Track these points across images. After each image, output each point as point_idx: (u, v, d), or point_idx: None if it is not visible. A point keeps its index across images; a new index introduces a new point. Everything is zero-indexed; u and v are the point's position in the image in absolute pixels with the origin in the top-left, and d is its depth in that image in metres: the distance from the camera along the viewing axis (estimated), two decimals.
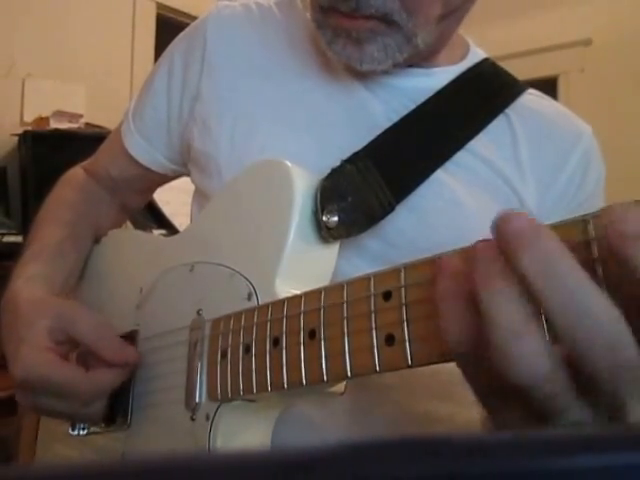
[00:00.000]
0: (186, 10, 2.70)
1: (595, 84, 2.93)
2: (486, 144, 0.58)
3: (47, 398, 0.53)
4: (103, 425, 0.59)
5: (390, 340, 0.33)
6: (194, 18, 0.71)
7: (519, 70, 0.67)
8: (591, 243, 0.26)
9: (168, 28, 2.67)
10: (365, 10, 0.50)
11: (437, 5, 0.51)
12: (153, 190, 0.82)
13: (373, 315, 0.34)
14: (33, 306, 0.56)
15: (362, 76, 0.58)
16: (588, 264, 0.26)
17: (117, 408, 0.57)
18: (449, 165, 0.56)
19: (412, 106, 0.57)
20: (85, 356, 0.55)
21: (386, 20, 0.51)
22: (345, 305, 0.36)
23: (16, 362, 0.52)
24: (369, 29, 0.51)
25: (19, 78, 2.23)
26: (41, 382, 0.52)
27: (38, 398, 0.53)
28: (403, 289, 0.33)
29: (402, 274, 0.34)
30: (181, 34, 0.69)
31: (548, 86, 2.97)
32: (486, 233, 0.31)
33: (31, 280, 0.60)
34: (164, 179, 0.75)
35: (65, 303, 0.57)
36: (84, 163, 0.80)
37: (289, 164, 0.49)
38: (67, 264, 0.67)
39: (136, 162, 0.71)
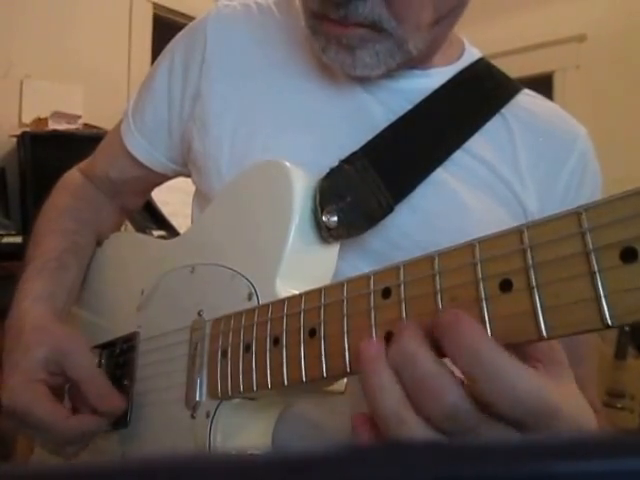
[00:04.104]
0: (183, 10, 2.70)
1: (590, 80, 2.93)
2: (484, 145, 0.58)
3: (29, 429, 0.54)
4: None
5: (389, 338, 0.33)
6: (191, 18, 0.71)
7: (515, 67, 0.68)
8: (585, 234, 0.27)
9: (165, 28, 2.67)
10: (354, 18, 0.50)
11: (427, 12, 0.51)
12: (151, 190, 0.81)
13: (373, 312, 0.35)
14: (34, 332, 0.56)
15: (360, 78, 0.59)
16: (583, 255, 0.27)
17: None
18: (449, 165, 0.56)
19: (409, 107, 0.57)
20: (76, 392, 0.56)
21: (375, 28, 0.51)
22: (345, 303, 0.36)
23: (6, 388, 0.53)
24: (359, 36, 0.52)
25: (17, 79, 2.23)
26: (24, 415, 0.52)
27: (22, 427, 0.54)
28: (402, 286, 0.34)
29: (401, 271, 0.34)
30: (181, 33, 0.69)
31: (544, 83, 2.97)
32: (488, 232, 0.32)
33: (36, 301, 0.60)
34: (163, 179, 0.75)
35: (65, 335, 0.57)
36: (81, 165, 0.79)
37: (288, 165, 0.50)
38: (70, 277, 0.67)
39: (137, 162, 0.70)
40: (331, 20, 0.52)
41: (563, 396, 0.29)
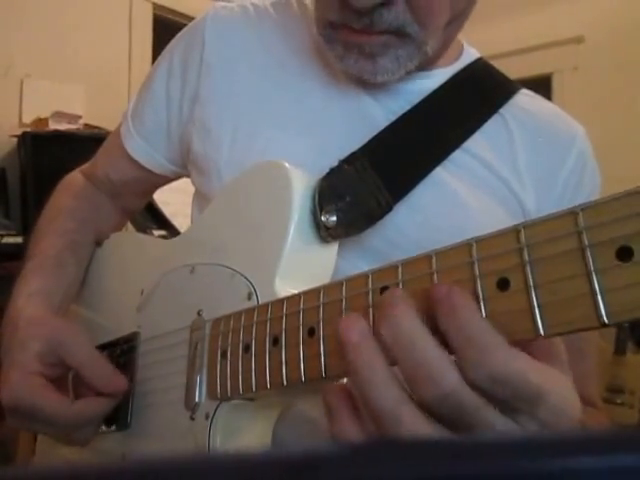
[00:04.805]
0: (182, 10, 2.71)
1: (589, 81, 2.94)
2: (483, 144, 0.58)
3: (35, 423, 0.53)
4: (103, 426, 0.59)
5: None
6: (190, 18, 0.71)
7: (513, 69, 0.68)
8: (582, 233, 0.27)
9: (165, 28, 2.68)
10: (379, 26, 0.50)
11: (446, 13, 0.52)
12: (152, 192, 0.81)
13: (371, 311, 0.35)
14: (29, 327, 0.55)
15: (380, 83, 0.59)
16: (580, 253, 0.27)
17: (117, 409, 0.58)
18: (448, 164, 0.56)
19: (409, 108, 0.57)
20: (78, 380, 0.55)
21: (399, 33, 0.51)
22: (343, 301, 0.37)
23: (5, 386, 0.52)
24: (383, 43, 0.51)
25: (18, 79, 2.23)
26: (27, 408, 0.52)
27: (27, 423, 0.54)
28: (401, 285, 0.34)
29: (399, 270, 0.34)
30: (179, 34, 0.69)
31: (542, 84, 2.98)
32: (486, 231, 0.32)
33: (32, 297, 0.60)
34: (164, 181, 0.75)
35: (60, 325, 0.56)
36: (82, 167, 0.79)
37: (287, 165, 0.50)
38: (68, 275, 0.66)
39: (136, 164, 0.70)
40: (352, 29, 0.51)
41: (551, 384, 0.29)
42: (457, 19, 0.55)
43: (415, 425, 0.29)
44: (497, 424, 0.29)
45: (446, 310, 0.29)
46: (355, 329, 0.31)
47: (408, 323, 0.29)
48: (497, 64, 0.65)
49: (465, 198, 0.56)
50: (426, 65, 0.60)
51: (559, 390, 0.29)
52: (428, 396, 0.29)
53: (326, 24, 0.53)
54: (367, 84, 0.59)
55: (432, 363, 0.29)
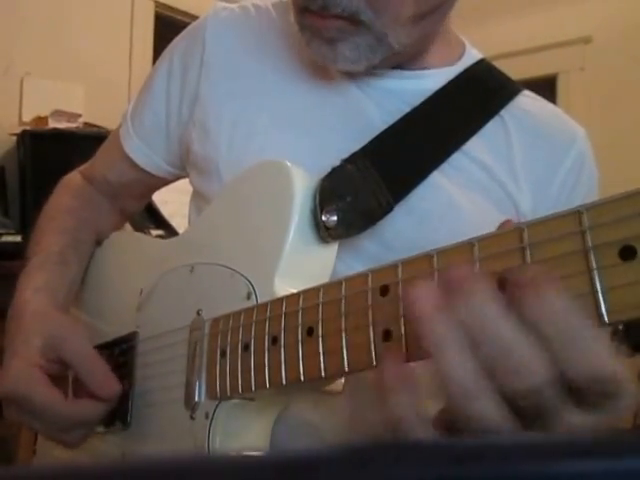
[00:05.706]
0: (184, 9, 2.70)
1: (595, 82, 2.93)
2: (481, 146, 0.58)
3: (28, 416, 0.53)
4: (103, 426, 0.59)
5: (387, 336, 0.33)
6: (192, 16, 0.71)
7: (518, 69, 0.67)
8: (585, 233, 0.27)
9: (166, 26, 2.68)
10: (332, 9, 0.50)
11: (407, 4, 0.51)
12: (151, 194, 0.82)
13: (370, 310, 0.35)
14: (34, 321, 0.56)
15: (355, 78, 0.59)
16: (583, 253, 0.27)
17: (117, 408, 0.57)
18: (446, 167, 0.56)
19: (405, 108, 0.57)
20: (79, 382, 0.55)
21: (354, 20, 0.51)
22: (343, 301, 0.36)
23: (5, 374, 0.53)
24: (338, 29, 0.52)
25: (17, 77, 2.23)
26: (23, 400, 0.52)
27: (20, 415, 0.54)
28: (400, 284, 0.33)
29: (399, 269, 0.34)
30: (179, 36, 0.69)
31: (548, 85, 2.97)
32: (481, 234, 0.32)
33: (38, 292, 0.60)
34: (163, 182, 0.75)
35: (63, 322, 0.57)
36: (81, 168, 0.79)
37: (288, 164, 0.50)
38: (70, 272, 0.67)
39: (135, 165, 0.70)
40: (313, 13, 0.52)
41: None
42: (432, 14, 0.54)
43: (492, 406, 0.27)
44: (575, 421, 0.27)
45: (534, 300, 0.26)
46: (428, 300, 0.28)
47: (493, 309, 0.26)
48: (503, 64, 0.64)
49: (460, 201, 0.56)
50: (414, 63, 0.60)
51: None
52: (512, 387, 0.26)
53: (296, 10, 0.55)
54: (361, 83, 0.59)
55: (521, 357, 0.26)
